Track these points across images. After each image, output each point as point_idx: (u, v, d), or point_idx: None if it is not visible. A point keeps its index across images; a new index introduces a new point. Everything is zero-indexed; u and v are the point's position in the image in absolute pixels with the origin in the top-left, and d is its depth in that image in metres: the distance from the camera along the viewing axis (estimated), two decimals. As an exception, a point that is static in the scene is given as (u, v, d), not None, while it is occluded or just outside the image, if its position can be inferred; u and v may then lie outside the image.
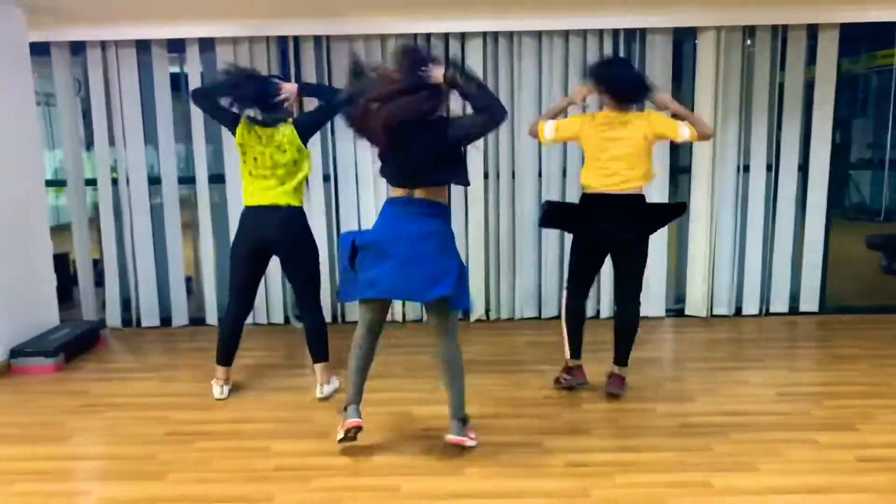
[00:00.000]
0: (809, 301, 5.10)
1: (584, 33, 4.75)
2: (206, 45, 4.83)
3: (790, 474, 2.78)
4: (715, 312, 5.08)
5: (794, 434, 3.14)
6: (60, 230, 5.21)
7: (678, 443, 3.07)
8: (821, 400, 3.53)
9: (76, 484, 2.90)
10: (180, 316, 5.12)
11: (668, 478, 2.77)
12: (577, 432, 3.21)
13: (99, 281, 5.16)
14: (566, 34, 4.76)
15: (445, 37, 4.78)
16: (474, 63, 4.78)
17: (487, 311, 5.12)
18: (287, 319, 5.11)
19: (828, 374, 3.97)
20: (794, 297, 5.12)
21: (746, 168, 4.95)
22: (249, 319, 4.98)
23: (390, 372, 4.00)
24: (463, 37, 4.79)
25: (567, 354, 3.67)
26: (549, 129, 3.54)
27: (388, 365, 4.07)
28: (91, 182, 5.06)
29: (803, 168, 4.98)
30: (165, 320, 5.11)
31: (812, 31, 4.79)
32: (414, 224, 2.84)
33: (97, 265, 5.20)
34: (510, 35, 4.78)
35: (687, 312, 5.13)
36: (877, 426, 3.21)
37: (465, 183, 3.04)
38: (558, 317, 4.90)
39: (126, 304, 5.14)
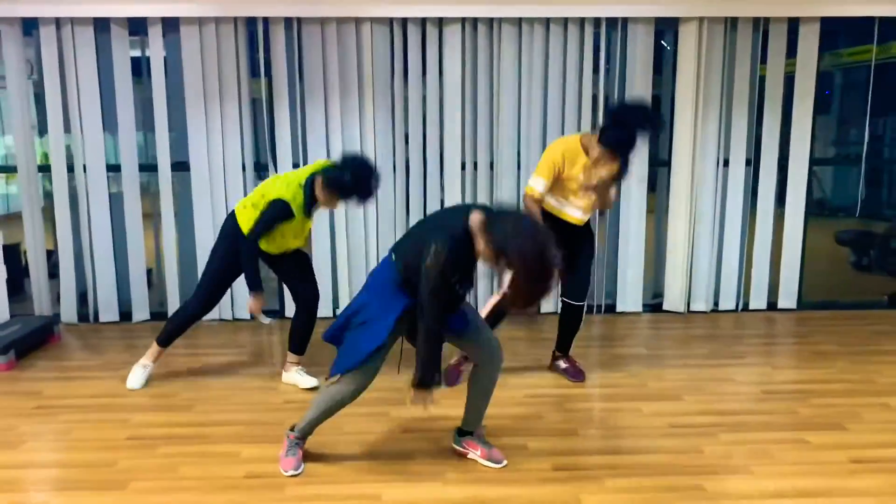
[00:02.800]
0: (787, 297, 5.08)
1: (564, 21, 4.63)
2: (170, 25, 4.58)
3: (784, 477, 2.70)
4: (692, 308, 5.03)
5: (784, 434, 3.07)
6: (10, 219, 4.91)
7: (668, 444, 2.98)
8: (806, 398, 3.47)
9: (28, 495, 2.66)
10: (141, 310, 4.87)
11: (660, 482, 2.66)
12: (562, 433, 3.10)
13: (53, 273, 4.88)
14: (547, 22, 4.63)
15: (422, 21, 4.61)
16: (452, 51, 4.63)
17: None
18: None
19: (809, 371, 3.92)
20: (772, 293, 5.09)
21: (726, 162, 4.89)
22: (213, 314, 4.82)
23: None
24: (441, 22, 4.62)
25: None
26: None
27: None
28: (44, 169, 4.76)
29: (782, 163, 4.94)
30: (125, 315, 4.86)
31: (793, 24, 4.74)
32: None
33: (51, 256, 4.92)
34: (489, 21, 4.63)
35: (665, 308, 5.06)
36: (865, 425, 3.15)
37: None
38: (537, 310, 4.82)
39: (83, 297, 4.87)
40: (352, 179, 3.27)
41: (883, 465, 2.78)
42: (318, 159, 4.71)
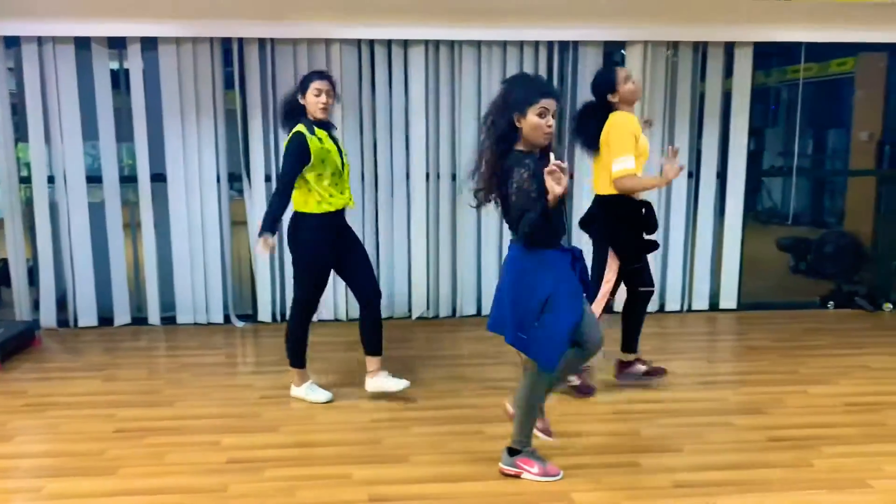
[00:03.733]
0: (728, 298, 5.49)
1: (520, 44, 4.99)
2: (148, 43, 4.81)
3: (710, 454, 3.06)
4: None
5: (714, 418, 3.43)
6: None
7: (608, 428, 3.32)
8: (737, 387, 3.86)
9: (24, 481, 2.90)
10: (122, 315, 5.07)
11: (599, 459, 3.00)
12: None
13: (32, 280, 5.05)
14: (504, 45, 4.98)
15: (388, 43, 4.93)
16: (416, 71, 4.95)
17: (429, 308, 5.28)
18: (227, 318, 5.13)
19: (743, 364, 4.31)
20: (714, 295, 5.49)
21: (670, 174, 5.28)
22: (189, 319, 5.06)
23: (339, 368, 4.12)
24: (406, 44, 4.94)
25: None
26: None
27: (338, 362, 4.22)
28: (25, 180, 4.96)
29: (721, 175, 5.35)
30: (106, 320, 5.05)
31: (729, 47, 5.17)
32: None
33: (30, 264, 5.09)
34: (451, 44, 4.97)
35: (615, 309, 5.40)
36: (785, 409, 3.54)
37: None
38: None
39: (61, 303, 5.05)
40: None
41: (796, 443, 3.16)
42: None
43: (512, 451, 2.87)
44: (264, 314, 5.10)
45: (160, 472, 2.92)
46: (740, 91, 5.23)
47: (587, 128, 3.64)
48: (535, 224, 2.55)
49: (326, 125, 3.56)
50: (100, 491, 2.77)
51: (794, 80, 9.65)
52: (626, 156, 3.47)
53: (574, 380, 3.62)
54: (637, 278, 3.75)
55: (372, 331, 3.63)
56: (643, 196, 3.67)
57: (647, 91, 5.08)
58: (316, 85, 3.46)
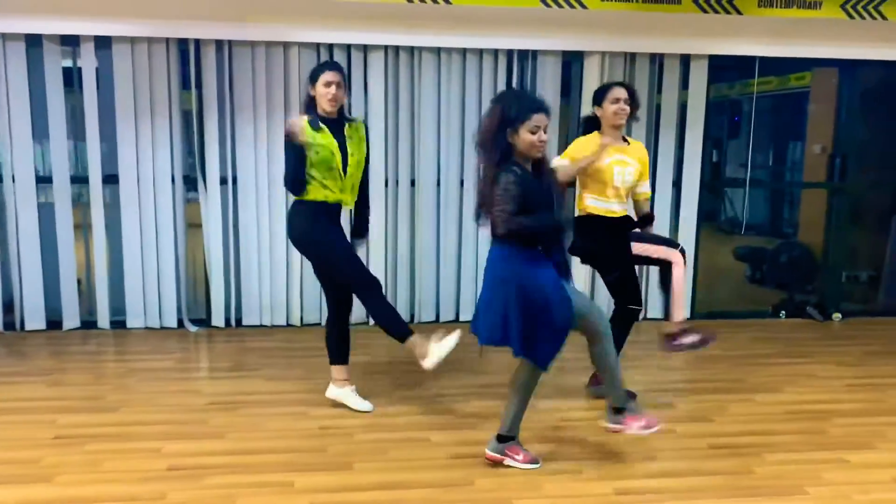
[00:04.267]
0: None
1: (480, 52, 5.01)
2: (102, 42, 4.74)
3: (652, 461, 3.09)
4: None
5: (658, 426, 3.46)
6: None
7: (553, 435, 3.34)
8: (684, 395, 3.91)
9: (-45, 489, 2.82)
10: (71, 319, 4.97)
11: (542, 467, 3.01)
12: (464, 427, 3.42)
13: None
14: (464, 52, 5.01)
15: (348, 48, 4.92)
16: (376, 76, 4.94)
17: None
18: (181, 323, 5.06)
19: (692, 372, 4.37)
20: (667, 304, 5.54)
21: (627, 183, 5.34)
22: (140, 323, 4.98)
23: (290, 375, 4.10)
24: (365, 49, 4.93)
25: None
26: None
27: (290, 367, 4.20)
28: (-28, 179, 4.85)
29: (677, 184, 5.43)
30: (55, 323, 4.95)
31: (685, 59, 5.25)
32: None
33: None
34: (411, 50, 4.97)
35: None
36: (728, 417, 3.59)
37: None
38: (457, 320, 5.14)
39: (8, 307, 4.94)
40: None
41: (736, 450, 3.21)
42: (245, 174, 4.96)
43: (501, 439, 3.00)
44: (218, 319, 5.04)
45: (97, 479, 2.86)
46: (695, 103, 5.31)
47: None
48: (524, 226, 2.76)
49: (338, 120, 3.41)
50: (33, 499, 2.71)
51: (759, 93, 9.86)
52: (563, 157, 3.58)
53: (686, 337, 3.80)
54: (624, 293, 3.73)
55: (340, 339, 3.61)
56: (618, 213, 3.67)
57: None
58: (326, 77, 3.34)
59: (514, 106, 2.80)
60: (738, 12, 5.00)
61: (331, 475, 2.93)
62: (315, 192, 3.38)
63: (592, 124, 3.72)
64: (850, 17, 5.08)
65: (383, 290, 3.61)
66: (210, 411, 3.58)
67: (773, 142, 10.48)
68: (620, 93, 3.62)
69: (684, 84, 5.30)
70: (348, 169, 3.40)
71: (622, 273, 3.67)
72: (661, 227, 5.41)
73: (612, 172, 3.59)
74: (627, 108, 3.62)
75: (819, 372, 4.34)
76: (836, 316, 5.60)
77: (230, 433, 3.32)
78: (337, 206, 3.46)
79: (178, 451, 3.11)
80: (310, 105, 3.42)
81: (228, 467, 2.97)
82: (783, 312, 5.69)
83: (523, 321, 2.80)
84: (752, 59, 5.38)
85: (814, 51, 5.25)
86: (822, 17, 5.10)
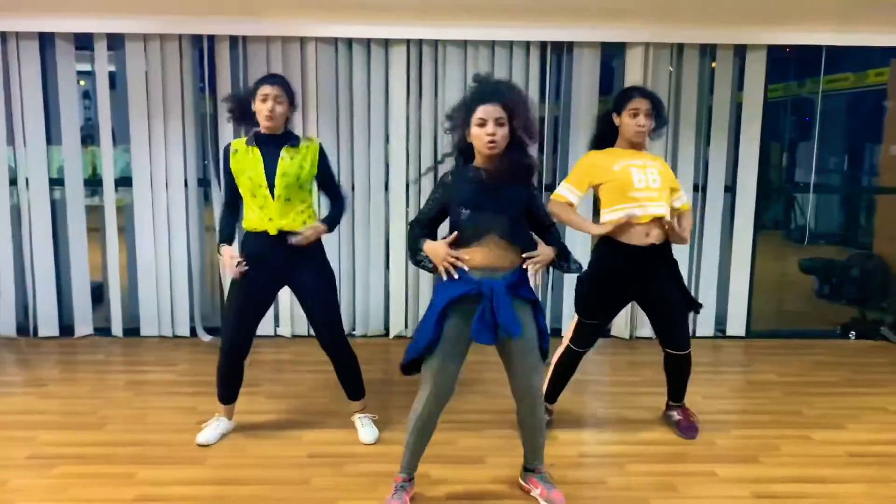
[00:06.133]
0: (736, 325, 5.02)
1: (510, 45, 4.62)
2: (116, 41, 4.59)
3: (681, 511, 2.65)
4: (638, 334, 4.96)
5: (694, 466, 3.01)
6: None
7: (573, 475, 2.92)
8: (728, 429, 3.41)
9: None
10: (84, 325, 4.84)
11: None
12: (466, 461, 3.05)
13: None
14: (492, 45, 4.63)
15: (367, 42, 4.62)
16: (397, 72, 4.63)
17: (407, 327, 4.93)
18: (194, 331, 4.85)
19: (740, 401, 3.87)
20: (721, 321, 5.03)
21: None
22: (154, 331, 4.80)
23: (291, 392, 3.80)
24: (386, 43, 4.62)
25: None
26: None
27: (294, 384, 3.92)
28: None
29: (731, 189, 4.91)
30: (67, 329, 4.82)
31: (740, 51, 4.73)
32: None
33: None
34: (434, 43, 4.63)
35: (611, 333, 5.00)
36: (777, 458, 3.09)
37: None
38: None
39: (25, 311, 4.84)
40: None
41: (784, 501, 2.72)
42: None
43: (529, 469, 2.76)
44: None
45: (54, 509, 2.63)
46: (752, 100, 4.78)
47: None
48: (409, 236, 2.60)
49: (281, 137, 3.07)
50: (-16, 528, 2.49)
51: (834, 91, 9.10)
52: (567, 183, 3.13)
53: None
54: (578, 333, 3.27)
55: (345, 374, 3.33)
56: (636, 242, 3.05)
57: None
58: (262, 90, 3.00)
59: (463, 99, 2.48)
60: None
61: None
62: (245, 220, 3.13)
63: (608, 131, 3.19)
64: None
65: (244, 360, 3.27)
66: (197, 432, 3.30)
67: (849, 143, 9.67)
68: (641, 104, 3.06)
69: (740, 81, 4.78)
70: (276, 190, 3.01)
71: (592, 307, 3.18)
72: (712, 235, 4.92)
73: (630, 174, 3.05)
74: (648, 124, 3.09)
75: (890, 406, 3.76)
76: (916, 338, 4.96)
77: (212, 458, 3.04)
78: (264, 235, 3.07)
79: (151, 479, 2.84)
80: (243, 115, 3.09)
81: (196, 500, 2.69)
82: (853, 333, 5.07)
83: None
84: (817, 49, 4.80)
85: (891, 39, 4.65)
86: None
